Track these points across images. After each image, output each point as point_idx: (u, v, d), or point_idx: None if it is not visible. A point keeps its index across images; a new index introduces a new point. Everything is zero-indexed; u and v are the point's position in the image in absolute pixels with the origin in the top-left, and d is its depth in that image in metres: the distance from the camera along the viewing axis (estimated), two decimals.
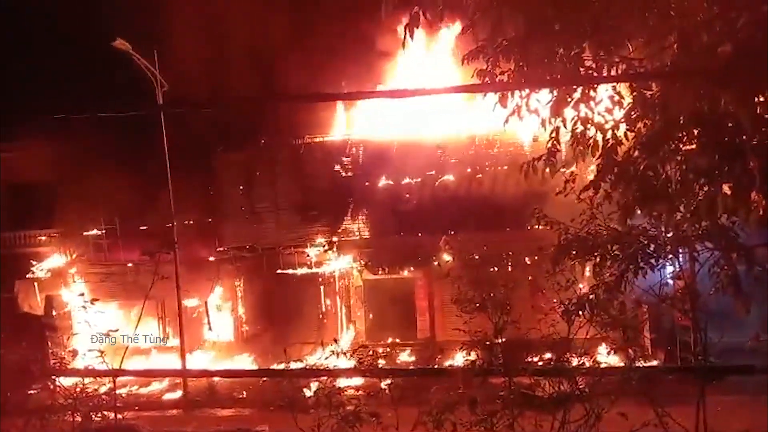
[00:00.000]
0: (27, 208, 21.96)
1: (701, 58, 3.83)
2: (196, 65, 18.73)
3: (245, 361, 18.61)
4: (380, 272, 19.24)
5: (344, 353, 4.77)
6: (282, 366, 4.87)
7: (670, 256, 4.79)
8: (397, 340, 18.97)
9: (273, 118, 19.89)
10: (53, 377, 5.35)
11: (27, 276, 20.95)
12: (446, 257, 17.75)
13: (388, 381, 4.78)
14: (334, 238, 19.45)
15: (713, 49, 3.71)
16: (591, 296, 4.73)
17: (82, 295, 5.49)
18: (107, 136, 18.62)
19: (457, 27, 4.36)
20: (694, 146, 4.17)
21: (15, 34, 22.05)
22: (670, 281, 5.14)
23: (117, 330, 5.36)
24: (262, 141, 20.28)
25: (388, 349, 17.94)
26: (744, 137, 3.84)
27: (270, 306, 19.38)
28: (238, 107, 17.35)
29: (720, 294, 4.39)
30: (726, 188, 3.88)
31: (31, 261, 21.30)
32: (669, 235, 4.65)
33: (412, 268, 19.12)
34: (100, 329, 5.27)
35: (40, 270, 21.17)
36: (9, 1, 20.71)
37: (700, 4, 4.02)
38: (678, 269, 5.02)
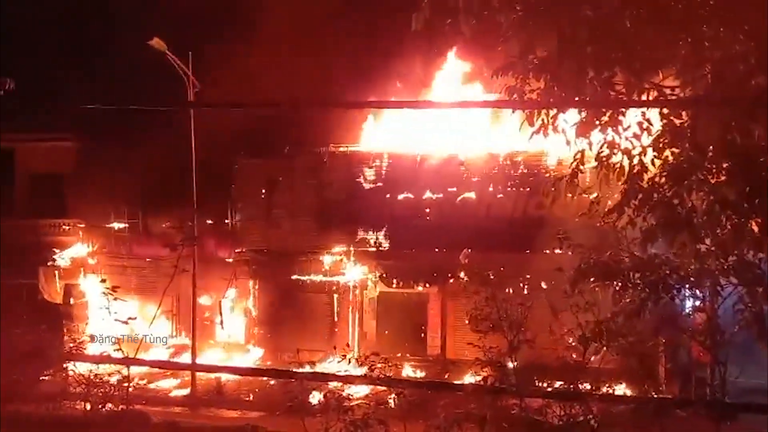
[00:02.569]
0: (52, 197, 22.38)
1: (734, 88, 3.79)
2: (231, 70, 19.04)
3: (255, 362, 18.65)
4: (395, 285, 19.18)
5: (355, 359, 4.76)
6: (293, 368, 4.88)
7: (693, 288, 4.71)
8: (407, 355, 18.84)
9: (299, 125, 20.08)
10: (67, 363, 5.43)
11: (49, 264, 21.32)
12: (462, 275, 17.62)
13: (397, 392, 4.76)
14: (351, 248, 19.47)
15: (747, 81, 3.68)
16: (610, 323, 4.67)
17: (104, 281, 5.57)
18: (136, 131, 19.01)
19: (489, 44, 4.37)
20: (722, 178, 4.11)
21: (47, 29, 22.56)
22: (690, 314, 5.05)
23: (135, 318, 5.43)
24: (287, 148, 20.46)
25: (398, 365, 17.90)
26: None
27: (283, 310, 19.42)
28: (265, 110, 17.56)
29: (743, 331, 4.30)
30: (753, 224, 3.82)
31: (54, 249, 21.67)
32: (692, 267, 4.57)
33: (427, 284, 19.02)
34: (118, 318, 5.34)
35: (62, 258, 21.54)
36: None
37: (736, 37, 3.99)
38: (700, 302, 4.93)
